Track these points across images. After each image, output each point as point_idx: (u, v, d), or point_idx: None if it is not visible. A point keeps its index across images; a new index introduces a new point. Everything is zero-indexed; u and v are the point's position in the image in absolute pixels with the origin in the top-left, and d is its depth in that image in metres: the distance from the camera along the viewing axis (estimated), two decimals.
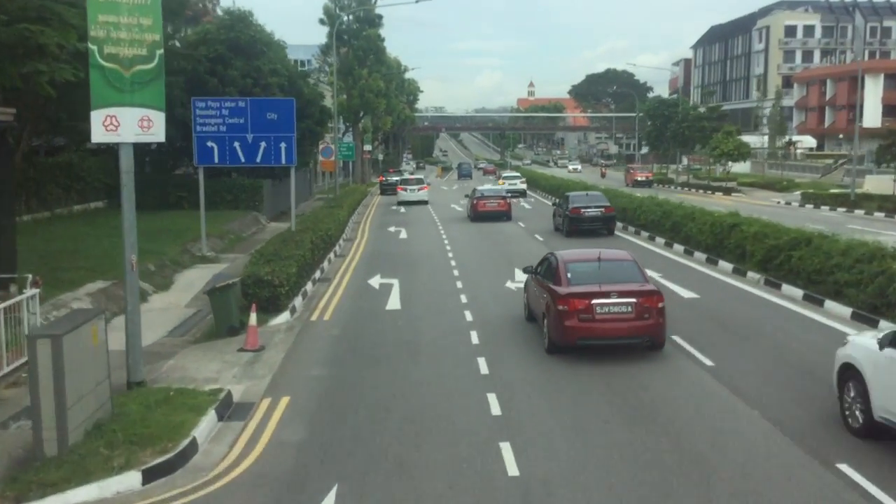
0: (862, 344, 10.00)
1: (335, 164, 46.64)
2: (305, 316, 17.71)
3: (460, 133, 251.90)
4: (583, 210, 31.12)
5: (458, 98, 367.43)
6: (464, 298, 19.02)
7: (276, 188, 41.84)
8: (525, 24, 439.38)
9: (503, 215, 38.08)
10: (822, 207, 44.39)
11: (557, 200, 37.32)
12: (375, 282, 21.86)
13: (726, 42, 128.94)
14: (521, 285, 17.71)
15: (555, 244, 26.17)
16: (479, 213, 38.45)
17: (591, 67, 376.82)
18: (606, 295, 13.20)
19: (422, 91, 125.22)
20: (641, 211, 32.55)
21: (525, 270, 16.30)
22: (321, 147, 43.79)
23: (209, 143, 24.93)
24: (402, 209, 48.93)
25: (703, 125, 64.63)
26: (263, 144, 24.98)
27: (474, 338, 15.19)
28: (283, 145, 25.11)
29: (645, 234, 31.45)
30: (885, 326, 12.90)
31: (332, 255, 26.78)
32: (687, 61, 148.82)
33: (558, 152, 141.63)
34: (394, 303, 18.76)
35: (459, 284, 21.03)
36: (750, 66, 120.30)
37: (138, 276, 12.92)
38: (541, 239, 30.70)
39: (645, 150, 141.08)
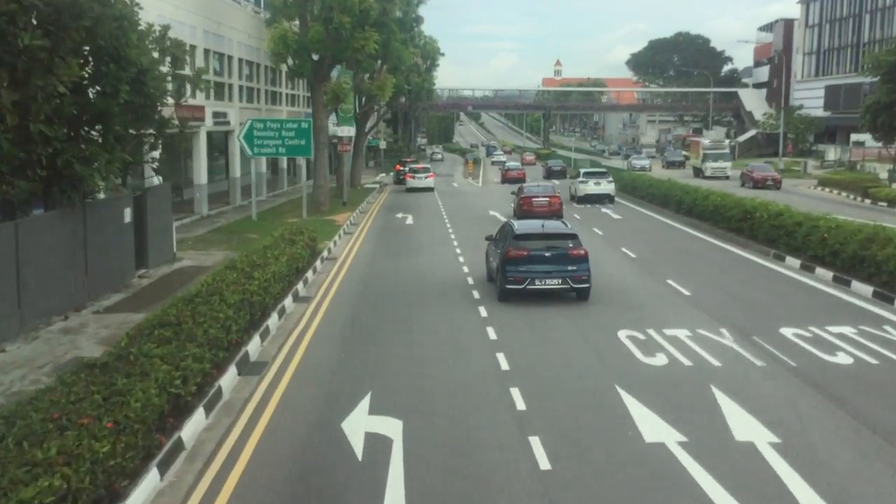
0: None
1: None
2: None
3: (481, 116, 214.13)
4: (552, 168, 62.14)
5: (474, 82, 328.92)
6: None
7: None
8: (539, 8, 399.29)
9: (522, 180, 51.15)
10: None
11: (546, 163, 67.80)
12: None
13: None
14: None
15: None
16: (506, 178, 56.32)
17: (611, 50, 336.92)
18: (537, 197, 31.11)
19: (443, 54, 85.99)
20: None
21: (511, 193, 35.51)
22: None
23: None
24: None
25: None
26: None
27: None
28: None
29: None
30: None
31: None
32: (787, 22, 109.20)
33: (706, 143, 59.35)
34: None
35: None
36: None
37: None
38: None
39: (749, 134, 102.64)
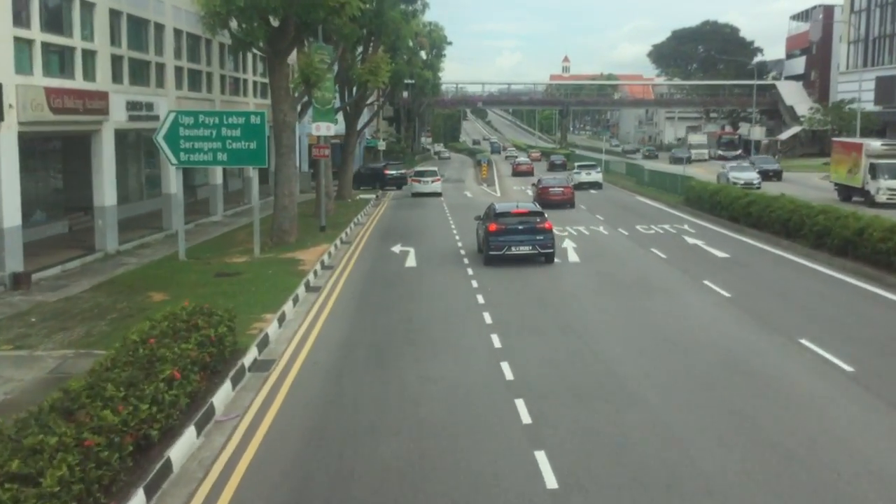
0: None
1: None
2: None
3: (488, 114, 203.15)
4: (555, 161, 68.47)
5: (478, 80, 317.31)
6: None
7: None
8: (543, 6, 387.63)
9: (530, 173, 60.10)
10: None
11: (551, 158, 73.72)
12: None
13: None
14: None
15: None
16: (516, 171, 64.30)
17: (616, 47, 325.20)
18: (553, 187, 36.13)
19: (450, 43, 75.30)
20: None
21: (532, 185, 42.08)
22: None
23: None
24: None
25: None
26: None
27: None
28: None
29: None
30: None
31: None
32: (827, 8, 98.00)
33: (875, 145, 34.37)
34: None
35: None
36: None
37: None
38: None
39: (791, 131, 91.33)
